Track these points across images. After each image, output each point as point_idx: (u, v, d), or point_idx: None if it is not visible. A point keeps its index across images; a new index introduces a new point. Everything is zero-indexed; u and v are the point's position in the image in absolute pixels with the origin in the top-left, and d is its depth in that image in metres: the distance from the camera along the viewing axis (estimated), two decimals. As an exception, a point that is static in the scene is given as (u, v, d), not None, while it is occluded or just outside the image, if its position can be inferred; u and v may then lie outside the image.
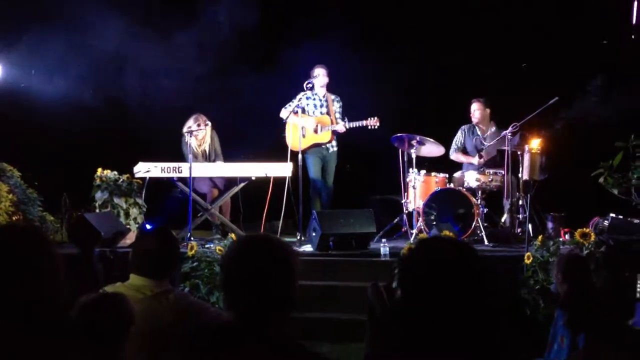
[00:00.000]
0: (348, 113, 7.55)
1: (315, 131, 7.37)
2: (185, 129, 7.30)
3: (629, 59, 7.29)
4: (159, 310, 2.74)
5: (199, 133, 7.35)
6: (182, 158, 7.28)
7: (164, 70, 8.30)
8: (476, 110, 7.38)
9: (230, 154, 7.68)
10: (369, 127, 7.23)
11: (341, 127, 7.30)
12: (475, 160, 7.29)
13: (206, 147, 7.52)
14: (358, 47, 8.23)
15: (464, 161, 7.46)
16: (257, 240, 2.11)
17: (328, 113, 7.46)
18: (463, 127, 7.51)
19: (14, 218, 6.56)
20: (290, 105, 7.15)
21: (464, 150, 7.51)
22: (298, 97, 7.22)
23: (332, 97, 7.53)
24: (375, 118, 7.21)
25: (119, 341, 2.26)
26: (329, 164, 7.51)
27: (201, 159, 7.46)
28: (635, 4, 7.58)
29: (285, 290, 2.03)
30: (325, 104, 7.48)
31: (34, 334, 2.03)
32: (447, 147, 7.42)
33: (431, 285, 1.73)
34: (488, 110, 7.38)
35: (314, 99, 7.46)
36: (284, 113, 7.28)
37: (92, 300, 2.30)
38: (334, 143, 7.50)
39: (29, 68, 7.89)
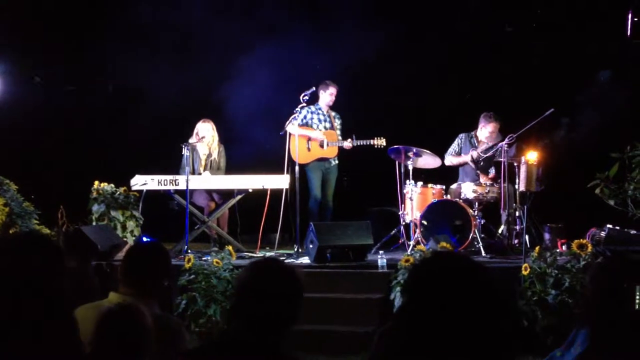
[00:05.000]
0: (345, 125, 7.59)
1: (322, 146, 7.39)
2: (193, 137, 7.36)
3: (623, 71, 7.33)
4: None
5: (203, 141, 7.38)
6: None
7: (161, 81, 8.34)
8: (493, 132, 7.26)
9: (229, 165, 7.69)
10: (376, 147, 7.29)
11: (348, 144, 7.36)
12: (467, 157, 7.29)
13: (215, 157, 7.54)
14: (355, 58, 8.26)
15: (456, 162, 7.44)
16: (269, 264, 2.31)
17: (332, 128, 7.50)
18: (461, 135, 7.51)
19: (10, 231, 6.55)
20: (295, 119, 7.10)
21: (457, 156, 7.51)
22: (302, 111, 7.17)
23: (333, 113, 7.59)
24: (382, 138, 7.27)
25: (139, 353, 2.26)
26: (329, 176, 7.53)
27: (207, 169, 7.46)
28: (630, 16, 7.62)
29: (291, 308, 2.21)
30: (328, 119, 7.52)
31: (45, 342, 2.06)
32: (443, 158, 7.42)
33: (443, 297, 1.75)
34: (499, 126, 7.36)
35: (318, 114, 7.49)
36: (289, 127, 7.12)
37: (111, 310, 2.32)
38: (335, 157, 7.52)
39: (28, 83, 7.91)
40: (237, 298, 2.19)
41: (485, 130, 7.32)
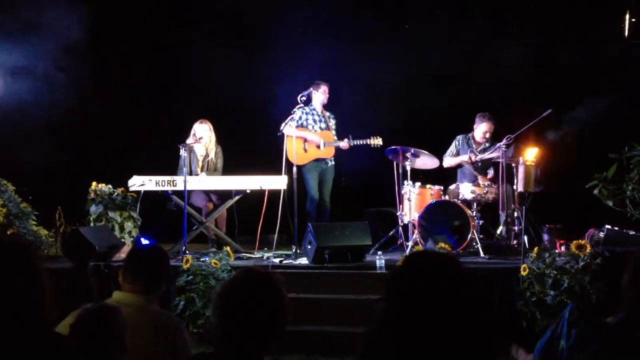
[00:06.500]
0: (344, 125, 7.59)
1: (318, 146, 7.39)
2: (190, 138, 7.35)
3: (621, 71, 7.34)
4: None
5: (200, 141, 7.37)
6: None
7: (160, 81, 8.33)
8: (487, 132, 7.29)
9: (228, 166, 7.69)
10: (372, 146, 7.29)
11: (345, 144, 7.36)
12: (466, 157, 7.29)
13: (212, 157, 7.53)
14: (353, 57, 8.27)
15: (454, 163, 7.45)
16: (251, 276, 2.23)
17: (327, 129, 7.50)
18: (458, 137, 7.52)
19: (7, 232, 6.53)
20: (292, 120, 7.08)
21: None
22: (297, 112, 7.14)
23: (328, 114, 7.60)
24: (378, 137, 7.28)
25: (114, 351, 2.29)
26: (326, 177, 7.54)
27: (204, 170, 7.45)
28: (627, 17, 7.63)
29: (272, 322, 2.15)
30: (323, 119, 7.53)
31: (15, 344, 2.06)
32: (442, 160, 7.43)
33: (413, 299, 1.77)
34: (493, 129, 7.35)
35: (313, 114, 7.49)
36: (286, 128, 7.07)
37: (87, 311, 2.34)
38: (332, 157, 7.53)
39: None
40: (219, 315, 2.17)
41: (479, 130, 7.33)
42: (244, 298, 2.13)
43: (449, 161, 7.49)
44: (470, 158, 7.23)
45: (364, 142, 7.33)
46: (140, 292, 2.88)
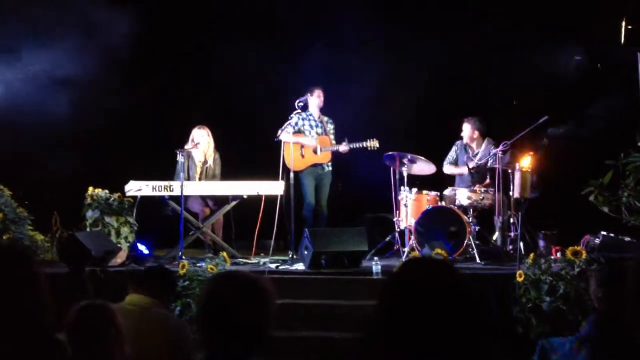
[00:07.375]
0: (341, 131, 7.60)
1: (315, 152, 7.42)
2: (188, 144, 7.35)
3: (618, 77, 7.36)
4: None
5: (198, 147, 7.37)
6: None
7: (154, 88, 8.32)
8: (463, 130, 7.45)
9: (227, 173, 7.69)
10: (369, 149, 7.32)
11: (344, 147, 7.38)
12: (464, 169, 7.34)
13: (210, 164, 7.52)
14: (351, 62, 8.28)
15: (454, 172, 7.50)
16: (226, 278, 2.27)
17: (325, 133, 7.52)
18: (457, 142, 7.58)
19: (4, 237, 6.53)
20: (289, 126, 7.10)
21: (455, 165, 7.55)
22: (293, 118, 7.17)
23: (325, 119, 7.62)
24: (375, 139, 7.31)
25: (107, 347, 2.32)
26: (323, 182, 7.55)
27: (203, 176, 7.45)
28: (624, 24, 7.66)
29: (255, 324, 2.13)
30: (320, 124, 7.55)
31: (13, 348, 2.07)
32: (438, 165, 7.45)
33: (409, 306, 1.77)
34: (477, 132, 7.40)
35: (309, 120, 7.52)
36: (283, 134, 7.12)
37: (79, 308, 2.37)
38: (329, 162, 7.55)
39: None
40: (201, 315, 2.19)
41: (463, 133, 7.42)
42: (222, 301, 2.14)
43: (449, 169, 7.54)
44: (468, 167, 7.27)
45: (361, 145, 7.36)
46: (149, 295, 3.10)
